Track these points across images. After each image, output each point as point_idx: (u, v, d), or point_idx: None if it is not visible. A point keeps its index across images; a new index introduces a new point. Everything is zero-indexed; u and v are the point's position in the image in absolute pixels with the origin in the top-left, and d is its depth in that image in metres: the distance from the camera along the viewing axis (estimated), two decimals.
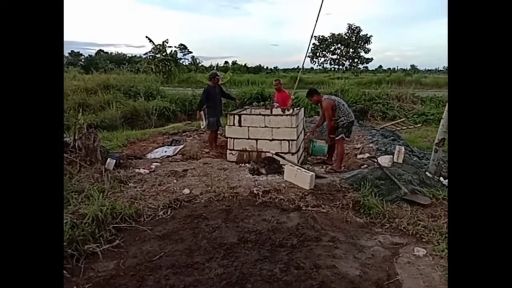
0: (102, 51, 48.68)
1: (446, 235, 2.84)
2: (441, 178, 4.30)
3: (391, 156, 4.53)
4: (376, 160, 4.44)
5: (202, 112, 6.08)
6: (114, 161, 4.53)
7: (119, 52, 52.51)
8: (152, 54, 22.93)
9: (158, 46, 22.57)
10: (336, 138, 5.00)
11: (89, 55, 44.91)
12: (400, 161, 4.46)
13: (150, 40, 22.33)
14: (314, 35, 7.42)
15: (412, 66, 48.76)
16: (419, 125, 10.02)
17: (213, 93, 6.00)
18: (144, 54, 24.50)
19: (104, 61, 32.37)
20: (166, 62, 22.15)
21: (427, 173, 4.35)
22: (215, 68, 32.79)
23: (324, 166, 5.23)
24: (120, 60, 33.45)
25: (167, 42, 22.86)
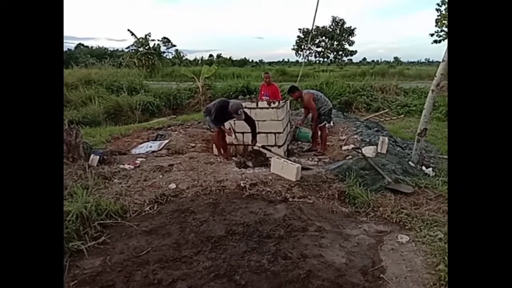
0: (82, 45, 47.22)
1: (428, 221, 2.95)
2: (423, 167, 4.43)
3: (375, 146, 4.62)
4: (360, 151, 4.51)
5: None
6: (98, 157, 4.44)
7: (100, 46, 51.05)
8: (135, 48, 22.41)
9: (140, 40, 22.05)
10: (320, 126, 5.68)
11: (68, 49, 43.35)
12: (384, 151, 4.56)
13: (132, 33, 21.80)
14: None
15: (395, 58, 49.47)
16: (402, 116, 10.23)
17: (225, 112, 4.74)
18: (126, 48, 23.98)
19: (84, 55, 31.42)
20: (149, 56, 21.69)
21: (410, 162, 4.46)
22: (199, 61, 32.37)
23: (310, 158, 5.29)
24: (101, 54, 32.56)
25: (149, 35, 22.39)
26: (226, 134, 5.05)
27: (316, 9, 6.94)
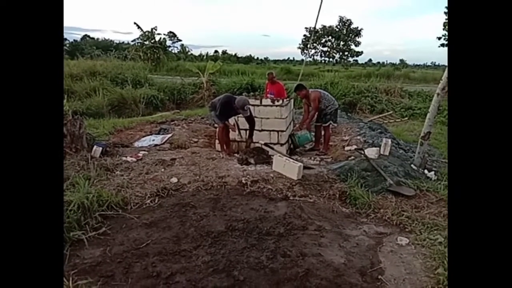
0: (88, 36, 47.27)
1: (428, 225, 2.94)
2: (426, 171, 4.41)
3: (378, 148, 4.61)
4: (363, 152, 4.50)
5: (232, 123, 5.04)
6: (101, 148, 4.46)
7: (106, 38, 51.10)
8: (140, 41, 22.35)
9: (146, 33, 22.00)
10: (325, 125, 5.57)
11: (74, 40, 43.43)
12: (387, 153, 4.54)
13: (138, 27, 21.74)
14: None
15: (401, 60, 49.28)
16: (406, 118, 10.17)
17: (230, 107, 4.77)
18: (132, 41, 23.91)
19: (90, 46, 31.43)
20: (155, 50, 21.65)
21: (412, 165, 4.44)
22: (204, 57, 32.25)
23: (312, 158, 5.29)
24: (107, 46, 32.52)
25: (155, 29, 22.30)
26: (230, 130, 5.04)
27: (319, 9, 6.90)
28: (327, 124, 5.60)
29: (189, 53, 31.60)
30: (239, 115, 4.97)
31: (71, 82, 11.03)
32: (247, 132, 5.29)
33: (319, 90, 5.94)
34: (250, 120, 4.90)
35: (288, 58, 59.32)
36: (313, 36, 36.09)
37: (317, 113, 5.58)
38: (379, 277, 2.24)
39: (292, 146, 5.73)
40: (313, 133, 5.94)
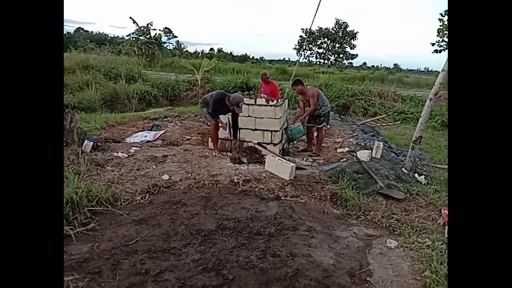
0: (82, 29, 46.62)
1: (417, 228, 2.97)
2: (416, 175, 4.46)
3: (370, 151, 4.64)
4: (355, 154, 4.53)
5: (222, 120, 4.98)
6: (92, 143, 4.40)
7: (100, 31, 50.37)
8: (135, 36, 22.09)
9: (142, 28, 21.78)
10: (318, 127, 5.62)
11: (67, 32, 42.60)
12: (378, 156, 4.58)
13: (134, 21, 21.50)
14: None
15: (395, 65, 49.59)
16: (398, 122, 10.29)
17: (222, 104, 4.81)
18: (127, 36, 23.62)
19: (83, 39, 30.93)
20: (150, 45, 21.44)
21: (403, 169, 4.49)
22: (200, 54, 32.07)
23: (305, 158, 5.30)
24: (101, 40, 32.05)
25: (151, 25, 22.10)
26: (222, 127, 5.04)
27: (316, 11, 6.93)
28: (320, 126, 5.63)
29: (184, 50, 31.38)
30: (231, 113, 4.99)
31: (64, 75, 10.84)
32: (240, 130, 5.29)
33: (316, 88, 5.98)
34: (233, 116, 4.93)
35: (284, 58, 59.22)
36: (309, 38, 36.17)
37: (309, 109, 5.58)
38: (368, 278, 2.26)
39: (286, 145, 5.74)
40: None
